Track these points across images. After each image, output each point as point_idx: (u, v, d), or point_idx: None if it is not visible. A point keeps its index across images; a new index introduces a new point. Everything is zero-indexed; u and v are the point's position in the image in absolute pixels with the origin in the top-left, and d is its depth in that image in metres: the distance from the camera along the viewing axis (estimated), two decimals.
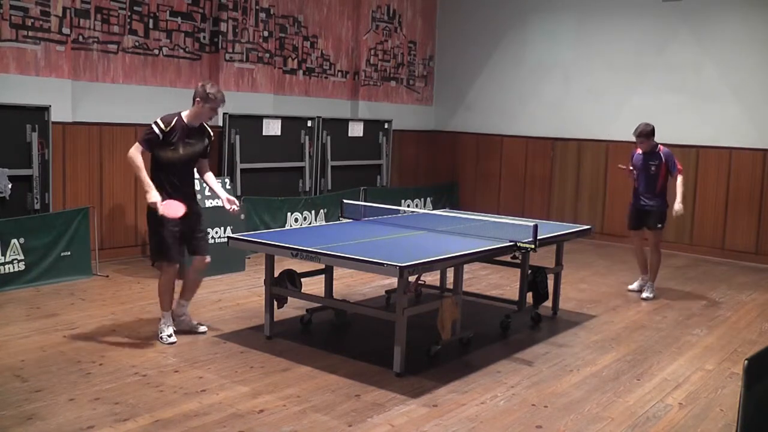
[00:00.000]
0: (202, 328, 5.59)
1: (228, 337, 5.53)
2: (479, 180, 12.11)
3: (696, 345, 5.85)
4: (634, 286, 7.69)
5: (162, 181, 5.28)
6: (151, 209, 5.22)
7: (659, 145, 7.27)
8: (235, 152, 8.79)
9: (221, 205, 5.58)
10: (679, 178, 7.22)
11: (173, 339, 5.36)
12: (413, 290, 6.33)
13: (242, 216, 5.46)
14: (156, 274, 7.51)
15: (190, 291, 5.63)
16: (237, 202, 5.55)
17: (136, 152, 5.19)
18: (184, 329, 5.54)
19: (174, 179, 5.32)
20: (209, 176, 5.60)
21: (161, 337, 5.37)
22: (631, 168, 7.41)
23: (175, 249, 5.37)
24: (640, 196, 7.35)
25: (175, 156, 5.27)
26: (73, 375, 4.65)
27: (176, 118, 5.27)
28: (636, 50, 10.36)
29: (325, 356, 5.20)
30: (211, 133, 5.58)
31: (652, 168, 7.20)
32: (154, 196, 5.14)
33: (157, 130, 5.18)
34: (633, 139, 10.21)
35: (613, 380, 4.96)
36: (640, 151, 7.29)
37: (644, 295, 7.30)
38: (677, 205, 7.18)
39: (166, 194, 5.25)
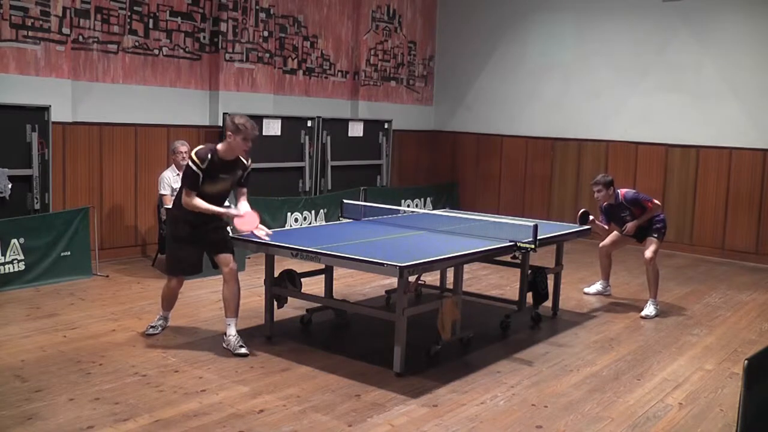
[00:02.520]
0: (243, 350, 5.14)
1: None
2: (479, 180, 12.11)
3: (696, 345, 5.85)
4: (592, 289, 7.39)
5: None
6: (169, 221, 5.47)
7: (619, 192, 6.82)
8: None
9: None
10: (647, 214, 6.76)
11: (150, 331, 5.53)
12: (413, 290, 6.33)
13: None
14: (156, 274, 7.54)
15: (227, 307, 5.28)
16: (267, 230, 5.35)
17: (191, 199, 5.10)
18: (228, 348, 5.22)
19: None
20: (243, 204, 5.36)
21: (149, 326, 5.63)
22: (606, 226, 7.00)
23: (179, 266, 5.45)
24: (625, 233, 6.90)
25: (207, 191, 5.15)
26: (73, 375, 4.65)
27: (210, 153, 5.10)
28: (636, 50, 10.35)
29: (325, 356, 5.20)
30: (247, 164, 5.35)
31: (627, 218, 6.81)
32: (231, 211, 5.23)
33: (195, 169, 5.04)
34: (632, 139, 10.32)
35: (613, 380, 4.96)
36: (606, 203, 6.89)
37: (644, 312, 6.63)
38: (630, 224, 6.75)
39: (188, 218, 5.21)
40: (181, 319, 5.92)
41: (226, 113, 8.63)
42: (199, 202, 5.12)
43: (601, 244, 7.30)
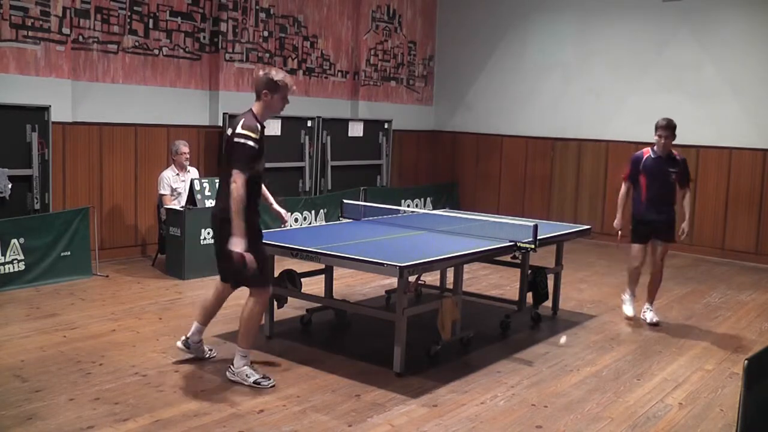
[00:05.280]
0: (213, 353, 5.01)
1: (228, 337, 5.51)
2: (479, 180, 12.11)
3: (696, 345, 5.85)
4: (633, 311, 6.48)
5: (250, 202, 4.28)
6: (242, 228, 4.21)
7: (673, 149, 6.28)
8: None
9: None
10: (687, 195, 6.29)
11: (273, 381, 4.54)
12: (413, 290, 6.33)
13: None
14: (156, 274, 7.53)
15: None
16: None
17: (241, 185, 4.10)
18: (199, 356, 5.01)
19: (257, 198, 4.36)
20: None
21: (257, 382, 4.47)
22: (624, 176, 6.35)
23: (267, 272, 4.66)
24: (654, 206, 6.15)
25: (260, 170, 4.31)
26: (73, 375, 4.65)
27: (256, 119, 4.26)
28: (636, 50, 10.36)
29: (325, 356, 5.20)
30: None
31: (672, 176, 6.12)
32: (242, 245, 4.16)
33: (253, 144, 4.13)
34: (632, 139, 10.31)
35: (613, 380, 4.96)
36: (651, 153, 6.17)
37: (654, 320, 6.31)
38: (686, 225, 6.24)
39: (256, 216, 4.42)
40: (181, 319, 5.92)
41: (226, 113, 8.68)
42: (245, 194, 4.12)
43: (638, 256, 6.35)
